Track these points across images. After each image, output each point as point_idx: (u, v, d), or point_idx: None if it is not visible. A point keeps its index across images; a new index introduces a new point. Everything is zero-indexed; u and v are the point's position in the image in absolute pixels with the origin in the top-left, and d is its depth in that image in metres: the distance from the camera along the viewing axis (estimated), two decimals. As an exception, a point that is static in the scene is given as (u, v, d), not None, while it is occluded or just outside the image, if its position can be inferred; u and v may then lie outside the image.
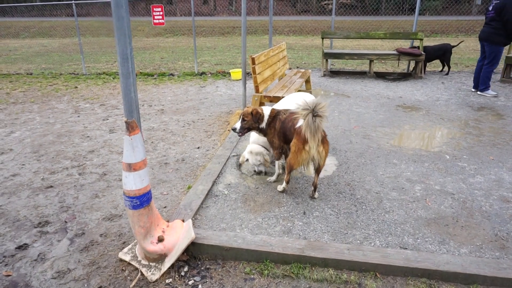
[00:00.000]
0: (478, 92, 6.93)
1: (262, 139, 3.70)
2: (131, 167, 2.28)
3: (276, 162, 3.55)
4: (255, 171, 3.76)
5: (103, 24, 21.56)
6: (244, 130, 3.45)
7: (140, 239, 2.42)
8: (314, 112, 2.84)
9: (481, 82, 6.87)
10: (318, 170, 3.18)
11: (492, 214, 3.01)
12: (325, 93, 7.14)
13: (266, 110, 3.46)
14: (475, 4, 23.47)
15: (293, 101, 3.98)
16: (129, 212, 2.39)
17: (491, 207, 3.11)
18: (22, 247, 2.75)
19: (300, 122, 3.01)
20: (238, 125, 3.43)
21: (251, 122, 3.41)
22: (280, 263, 2.49)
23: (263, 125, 3.43)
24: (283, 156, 3.58)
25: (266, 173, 3.77)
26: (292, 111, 3.37)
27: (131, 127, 2.22)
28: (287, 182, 3.33)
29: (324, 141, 3.04)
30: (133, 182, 2.30)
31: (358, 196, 3.30)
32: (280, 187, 3.39)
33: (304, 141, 2.96)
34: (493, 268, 2.31)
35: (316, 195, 3.28)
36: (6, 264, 2.57)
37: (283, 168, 3.73)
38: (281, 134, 3.33)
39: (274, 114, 3.42)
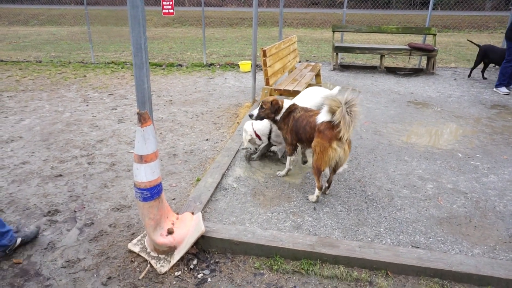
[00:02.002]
0: (494, 89, 6.81)
1: (263, 123, 3.70)
2: (142, 159, 2.26)
3: (288, 158, 3.48)
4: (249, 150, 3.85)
5: (112, 13, 21.49)
6: (260, 118, 3.43)
7: (150, 231, 2.41)
8: (346, 108, 2.71)
9: (497, 78, 6.78)
10: (336, 169, 3.05)
11: (506, 214, 2.96)
12: (334, 87, 7.05)
13: (286, 103, 3.37)
14: (489, -1, 23.00)
15: (310, 96, 3.95)
16: (139, 204, 2.37)
17: (505, 207, 3.06)
18: (32, 235, 2.76)
19: (321, 119, 2.89)
20: (255, 112, 3.42)
21: (269, 111, 3.35)
22: (290, 259, 2.47)
23: (279, 117, 3.37)
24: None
25: (252, 156, 3.91)
26: (307, 109, 3.27)
27: (144, 118, 2.20)
28: (320, 189, 3.05)
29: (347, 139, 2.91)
30: (144, 174, 2.28)
31: (369, 192, 3.26)
32: (313, 197, 3.10)
33: (330, 139, 2.80)
34: (508, 270, 2.27)
35: (327, 191, 3.23)
36: (17, 252, 2.58)
37: (294, 164, 3.69)
38: (294, 132, 3.25)
39: (290, 110, 3.32)
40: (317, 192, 3.06)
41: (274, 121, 3.43)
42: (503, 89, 6.66)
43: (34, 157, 4.07)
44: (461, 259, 2.36)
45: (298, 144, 3.38)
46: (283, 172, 3.55)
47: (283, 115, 3.35)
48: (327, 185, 3.19)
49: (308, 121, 3.08)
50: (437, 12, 22.03)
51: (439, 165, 3.80)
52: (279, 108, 3.35)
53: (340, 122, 2.73)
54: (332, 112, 2.80)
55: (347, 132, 2.73)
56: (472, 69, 7.76)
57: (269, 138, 3.80)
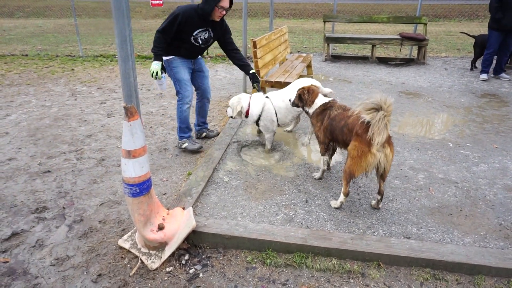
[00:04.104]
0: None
1: (258, 106, 3.70)
2: (130, 154, 2.21)
3: (321, 158, 3.30)
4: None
5: (99, 5, 21.07)
6: (295, 105, 3.39)
7: (140, 227, 2.37)
8: (382, 111, 2.49)
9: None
10: (383, 176, 2.76)
11: (496, 203, 2.98)
12: (325, 78, 7.03)
13: (320, 99, 3.20)
14: (479, -12, 22.99)
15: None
16: (128, 200, 2.33)
17: (495, 196, 3.08)
18: (20, 233, 2.71)
19: (362, 121, 2.64)
20: (292, 98, 3.41)
21: (297, 101, 3.31)
22: (282, 252, 2.46)
23: (309, 110, 3.24)
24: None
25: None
26: (345, 107, 3.04)
27: (130, 112, 2.14)
28: (346, 195, 2.84)
29: (389, 142, 2.64)
30: (133, 169, 2.24)
31: (360, 184, 3.26)
32: (336, 203, 2.90)
33: (370, 143, 2.56)
34: (498, 258, 2.29)
35: (380, 205, 2.91)
36: (4, 251, 2.52)
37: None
38: (328, 131, 3.04)
39: (326, 107, 3.13)
40: (342, 197, 2.86)
41: (306, 112, 3.32)
42: (483, 75, 6.83)
43: (21, 153, 3.98)
44: (452, 249, 2.37)
45: (331, 143, 3.16)
46: (318, 174, 3.34)
47: (316, 111, 3.18)
48: (379, 197, 2.86)
49: (347, 122, 2.82)
50: (427, 1, 22.00)
51: (430, 155, 3.81)
52: (301, 98, 3.25)
53: (374, 125, 2.51)
54: (370, 113, 2.56)
55: (378, 138, 2.50)
56: (473, 61, 7.61)
57: (257, 123, 3.79)
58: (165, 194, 3.21)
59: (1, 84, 6.79)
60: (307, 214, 2.83)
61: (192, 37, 3.63)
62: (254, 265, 2.39)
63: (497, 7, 6.28)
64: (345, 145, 2.90)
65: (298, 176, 3.39)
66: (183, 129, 3.95)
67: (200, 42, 3.71)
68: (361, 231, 2.63)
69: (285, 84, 5.02)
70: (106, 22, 17.40)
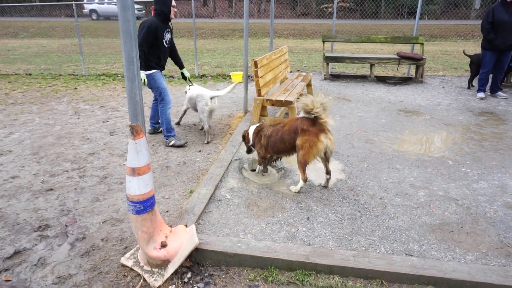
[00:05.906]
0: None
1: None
2: (135, 172, 2.25)
3: (258, 166, 3.89)
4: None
5: (102, 25, 21.51)
6: (249, 151, 3.98)
7: (143, 244, 2.39)
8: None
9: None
10: (328, 158, 3.38)
11: (497, 220, 2.99)
12: (324, 96, 7.11)
13: (251, 130, 3.82)
14: (474, 8, 23.53)
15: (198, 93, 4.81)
16: (132, 217, 2.35)
17: (496, 213, 3.10)
18: (22, 252, 2.71)
19: (303, 118, 3.31)
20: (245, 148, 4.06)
21: (246, 144, 3.93)
22: (285, 270, 2.46)
23: (251, 142, 3.82)
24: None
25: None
26: (274, 124, 3.64)
27: (136, 131, 2.19)
28: (305, 181, 3.37)
29: (329, 130, 3.32)
30: (137, 187, 2.27)
31: (362, 201, 3.28)
32: (296, 188, 3.42)
33: (317, 134, 3.19)
34: (500, 276, 2.29)
35: (329, 183, 3.52)
36: (6, 269, 2.53)
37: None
38: (269, 147, 3.58)
39: (258, 131, 3.73)
40: (301, 183, 3.39)
41: (253, 146, 3.84)
42: (480, 94, 6.95)
43: (24, 171, 4.01)
44: (455, 266, 2.38)
45: (274, 155, 3.70)
46: (257, 170, 3.92)
47: (253, 138, 3.76)
48: (328, 177, 3.48)
49: (283, 130, 3.43)
50: (424, 21, 22.48)
51: (430, 172, 3.84)
52: (245, 139, 3.89)
53: (321, 114, 3.19)
54: (308, 112, 3.23)
55: (327, 117, 3.22)
56: (470, 80, 7.71)
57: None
58: (167, 211, 3.22)
59: (5, 102, 6.88)
60: (309, 231, 2.84)
61: (163, 40, 4.45)
62: (256, 282, 2.39)
63: (489, 28, 6.46)
64: (290, 149, 3.45)
65: (299, 194, 3.41)
66: (169, 129, 4.63)
67: (168, 43, 4.59)
68: (363, 248, 2.64)
69: (286, 102, 5.10)
70: (109, 41, 17.72)
